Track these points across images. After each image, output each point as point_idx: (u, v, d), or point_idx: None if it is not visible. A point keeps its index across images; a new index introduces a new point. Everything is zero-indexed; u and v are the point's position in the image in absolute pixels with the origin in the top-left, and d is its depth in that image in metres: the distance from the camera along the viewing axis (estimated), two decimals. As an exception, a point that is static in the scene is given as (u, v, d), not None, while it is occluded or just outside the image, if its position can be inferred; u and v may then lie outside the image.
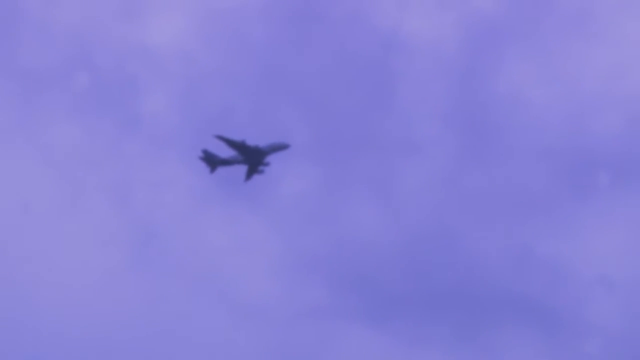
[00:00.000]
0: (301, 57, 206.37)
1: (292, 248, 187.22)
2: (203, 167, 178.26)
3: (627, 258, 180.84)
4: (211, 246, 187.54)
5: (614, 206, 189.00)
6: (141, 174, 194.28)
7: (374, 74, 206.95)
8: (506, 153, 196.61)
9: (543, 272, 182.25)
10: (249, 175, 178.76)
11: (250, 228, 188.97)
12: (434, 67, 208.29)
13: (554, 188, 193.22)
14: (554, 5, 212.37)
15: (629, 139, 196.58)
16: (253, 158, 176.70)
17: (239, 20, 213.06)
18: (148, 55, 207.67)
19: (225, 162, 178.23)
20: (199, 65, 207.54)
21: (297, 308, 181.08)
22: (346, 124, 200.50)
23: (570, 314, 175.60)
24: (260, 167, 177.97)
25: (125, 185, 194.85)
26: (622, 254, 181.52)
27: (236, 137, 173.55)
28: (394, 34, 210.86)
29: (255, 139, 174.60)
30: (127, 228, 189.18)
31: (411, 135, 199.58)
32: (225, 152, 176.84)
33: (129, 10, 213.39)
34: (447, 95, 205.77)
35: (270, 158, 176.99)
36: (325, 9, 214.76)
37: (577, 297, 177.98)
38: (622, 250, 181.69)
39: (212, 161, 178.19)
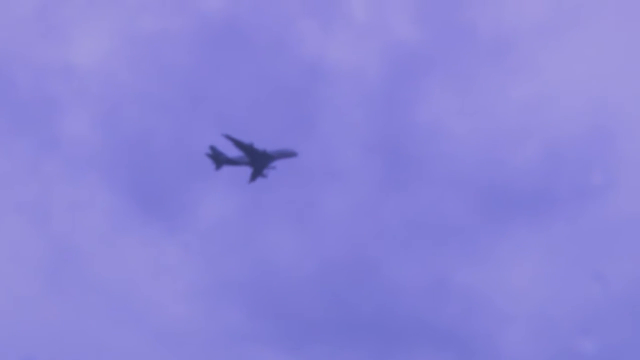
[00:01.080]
0: (225, 82, 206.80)
1: (212, 272, 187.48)
2: (209, 164, 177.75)
3: (541, 289, 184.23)
4: (130, 269, 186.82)
5: (529, 237, 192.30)
6: (60, 195, 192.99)
7: (297, 101, 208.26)
8: (426, 182, 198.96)
9: (458, 301, 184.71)
10: (254, 177, 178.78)
11: (169, 251, 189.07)
12: (356, 96, 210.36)
13: (471, 218, 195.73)
14: (475, 38, 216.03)
15: (545, 171, 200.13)
16: (259, 161, 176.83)
17: (163, 45, 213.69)
18: (70, 76, 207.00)
19: (231, 162, 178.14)
20: (121, 87, 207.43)
21: (215, 332, 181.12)
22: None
23: (484, 343, 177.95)
24: (265, 171, 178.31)
25: (43, 207, 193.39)
26: (536, 284, 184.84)
27: (245, 138, 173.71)
28: (318, 63, 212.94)
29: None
30: (45, 250, 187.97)
31: (333, 163, 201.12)
32: (233, 151, 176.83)
33: (51, 31, 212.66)
34: (369, 124, 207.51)
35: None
36: (251, 35, 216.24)
37: (491, 326, 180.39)
38: (535, 281, 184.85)
39: (218, 159, 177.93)
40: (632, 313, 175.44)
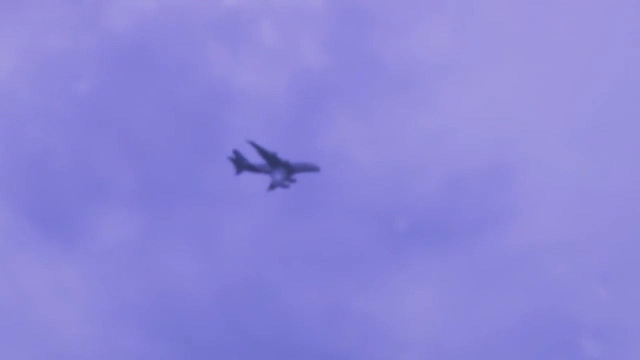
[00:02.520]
0: (129, 104, 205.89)
1: (109, 295, 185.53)
2: (230, 168, 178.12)
3: (437, 317, 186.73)
4: (25, 290, 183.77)
5: (428, 267, 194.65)
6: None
7: (203, 124, 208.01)
8: (328, 210, 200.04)
9: (356, 327, 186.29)
10: (273, 187, 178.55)
11: (67, 272, 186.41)
12: (262, 121, 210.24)
13: (372, 247, 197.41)
14: (381, 70, 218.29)
15: (445, 202, 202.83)
16: (281, 172, 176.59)
17: (68, 64, 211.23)
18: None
19: (253, 169, 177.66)
20: (22, 106, 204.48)
21: (112, 356, 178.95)
22: (171, 173, 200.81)
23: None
24: (286, 183, 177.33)
25: None
26: (432, 313, 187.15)
27: (269, 147, 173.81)
28: (225, 86, 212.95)
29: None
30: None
31: (236, 188, 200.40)
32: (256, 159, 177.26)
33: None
34: (274, 149, 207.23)
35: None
36: (158, 57, 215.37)
37: (387, 352, 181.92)
38: (432, 310, 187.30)
39: (240, 163, 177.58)
40: (524, 343, 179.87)
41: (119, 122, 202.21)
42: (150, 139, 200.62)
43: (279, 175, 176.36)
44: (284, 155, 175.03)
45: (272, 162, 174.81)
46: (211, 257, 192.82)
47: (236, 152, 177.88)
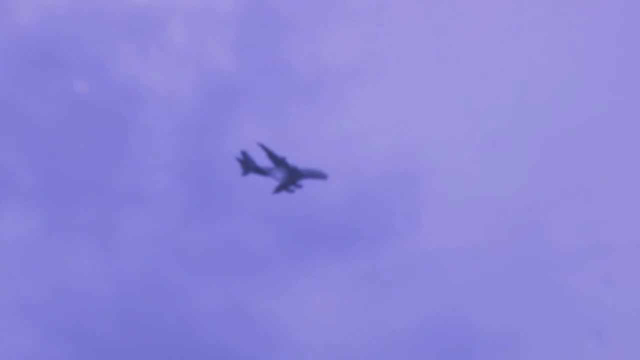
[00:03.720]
0: (34, 101, 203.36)
1: (6, 293, 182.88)
2: (237, 168, 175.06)
3: (337, 321, 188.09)
4: None
5: (331, 271, 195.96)
6: None
7: (108, 123, 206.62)
8: (233, 212, 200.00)
9: (258, 330, 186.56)
10: (278, 190, 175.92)
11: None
12: (169, 122, 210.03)
13: (276, 250, 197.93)
14: (290, 74, 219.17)
15: (350, 208, 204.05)
16: (288, 176, 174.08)
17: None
18: None
19: (260, 171, 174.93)
20: None
21: (8, 355, 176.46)
22: (75, 171, 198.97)
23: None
24: (292, 187, 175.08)
25: None
26: (333, 317, 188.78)
27: (279, 151, 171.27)
28: (132, 85, 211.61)
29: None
30: None
31: (140, 187, 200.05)
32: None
33: None
34: (180, 150, 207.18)
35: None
36: (64, 54, 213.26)
37: (288, 355, 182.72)
38: (333, 314, 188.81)
39: (247, 165, 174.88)
40: (422, 347, 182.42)
41: (22, 119, 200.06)
42: (54, 136, 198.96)
43: (285, 179, 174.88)
44: (292, 160, 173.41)
45: (280, 165, 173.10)
46: (112, 256, 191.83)
47: (244, 153, 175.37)
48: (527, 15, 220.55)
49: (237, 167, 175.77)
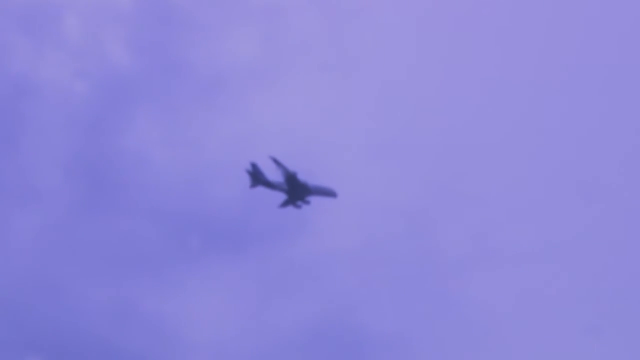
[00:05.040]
0: None
1: None
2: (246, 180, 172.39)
3: (226, 321, 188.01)
4: None
5: (223, 271, 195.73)
6: None
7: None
8: (125, 209, 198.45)
9: (146, 328, 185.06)
10: (285, 204, 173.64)
11: None
12: (62, 117, 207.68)
13: (167, 248, 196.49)
14: (189, 72, 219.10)
15: (244, 208, 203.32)
16: (297, 191, 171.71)
17: None
18: None
19: (269, 185, 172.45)
20: None
21: None
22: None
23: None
24: (299, 203, 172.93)
25: None
26: (222, 316, 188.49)
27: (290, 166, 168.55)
28: (25, 79, 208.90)
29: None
30: None
31: (31, 183, 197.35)
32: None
33: None
34: (73, 146, 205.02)
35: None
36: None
37: (175, 354, 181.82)
38: (222, 313, 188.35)
39: (256, 177, 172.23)
40: (309, 348, 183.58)
41: None
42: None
43: (294, 195, 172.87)
44: (302, 176, 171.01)
45: (290, 181, 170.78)
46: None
47: (254, 165, 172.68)
48: (422, 19, 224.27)
49: (246, 179, 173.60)
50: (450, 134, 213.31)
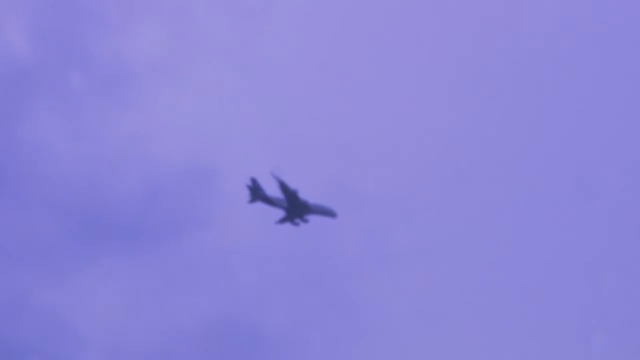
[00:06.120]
0: None
1: None
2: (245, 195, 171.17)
3: (121, 316, 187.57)
4: None
5: (120, 266, 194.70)
6: None
7: None
8: (19, 201, 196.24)
9: (38, 322, 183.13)
10: (283, 221, 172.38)
11: None
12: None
13: (63, 242, 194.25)
14: (92, 65, 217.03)
15: (144, 203, 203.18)
16: (296, 209, 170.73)
17: None
18: None
19: (268, 200, 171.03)
20: None
21: None
22: None
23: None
24: (297, 220, 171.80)
25: None
26: (118, 311, 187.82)
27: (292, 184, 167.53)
28: None
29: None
30: None
31: None
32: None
33: None
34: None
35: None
36: None
37: (68, 348, 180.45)
38: (118, 308, 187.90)
39: (256, 192, 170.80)
40: (202, 345, 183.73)
41: None
42: None
43: (293, 212, 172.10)
44: (303, 194, 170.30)
45: (290, 198, 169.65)
46: None
47: (253, 180, 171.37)
48: (326, 18, 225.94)
49: (246, 194, 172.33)
50: (352, 133, 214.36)
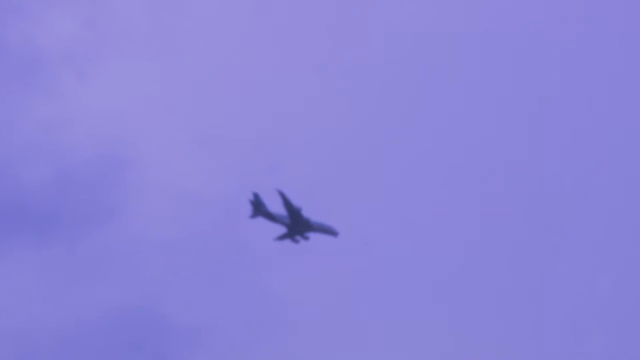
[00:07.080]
0: None
1: None
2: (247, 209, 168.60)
3: (31, 309, 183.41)
4: None
5: (28, 256, 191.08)
6: None
7: None
8: None
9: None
10: (283, 237, 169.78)
11: None
12: None
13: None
14: (2, 53, 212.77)
15: (55, 192, 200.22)
16: (298, 227, 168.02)
17: None
18: None
19: (269, 216, 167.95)
20: None
21: None
22: None
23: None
24: (298, 237, 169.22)
25: None
26: (26, 304, 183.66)
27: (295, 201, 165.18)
28: None
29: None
30: None
31: None
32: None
33: None
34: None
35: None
36: None
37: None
38: (27, 301, 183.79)
39: (258, 208, 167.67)
40: (108, 338, 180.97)
41: None
42: None
43: (294, 229, 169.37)
44: (306, 212, 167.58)
45: (293, 216, 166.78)
46: None
47: (256, 195, 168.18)
48: (253, 9, 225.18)
49: (248, 208, 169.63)
50: (271, 128, 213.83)
